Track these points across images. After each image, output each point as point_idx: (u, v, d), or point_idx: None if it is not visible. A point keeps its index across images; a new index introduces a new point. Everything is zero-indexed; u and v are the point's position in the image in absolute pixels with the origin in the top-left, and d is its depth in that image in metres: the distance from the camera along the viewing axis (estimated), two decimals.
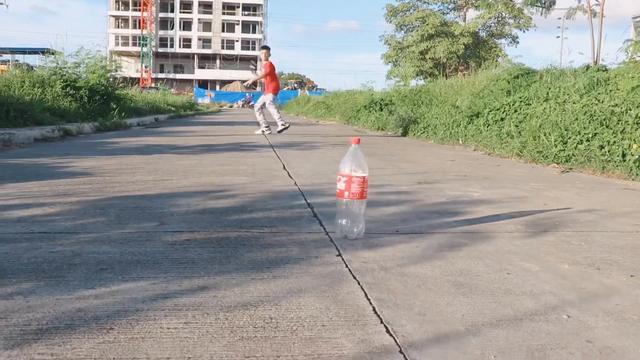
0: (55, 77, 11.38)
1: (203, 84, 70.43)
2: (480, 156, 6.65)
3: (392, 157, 5.76)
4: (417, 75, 33.78)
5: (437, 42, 32.40)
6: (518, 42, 33.97)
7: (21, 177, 3.64)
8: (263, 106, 10.27)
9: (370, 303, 1.45)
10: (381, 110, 14.95)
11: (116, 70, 14.11)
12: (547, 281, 1.71)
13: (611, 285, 1.69)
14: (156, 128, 11.41)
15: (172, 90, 54.79)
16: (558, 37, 38.53)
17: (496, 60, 34.52)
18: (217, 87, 68.43)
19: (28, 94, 9.94)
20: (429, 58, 32.76)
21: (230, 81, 67.11)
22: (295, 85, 68.25)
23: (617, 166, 5.18)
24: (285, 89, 69.39)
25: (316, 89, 64.41)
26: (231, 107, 48.82)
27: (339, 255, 1.93)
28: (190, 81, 70.86)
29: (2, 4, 47.62)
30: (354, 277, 1.68)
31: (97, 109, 11.39)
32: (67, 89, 11.13)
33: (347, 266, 1.79)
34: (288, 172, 4.17)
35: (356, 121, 15.71)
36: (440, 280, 1.68)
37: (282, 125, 10.15)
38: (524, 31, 31.10)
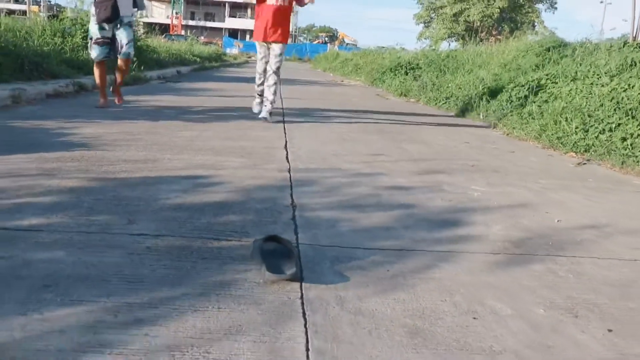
0: (76, 28, 11.27)
1: (233, 33, 69.73)
2: (498, 137, 6.43)
3: (401, 135, 5.58)
4: (449, 37, 32.95)
5: (472, 4, 31.37)
6: (556, 8, 32.77)
7: (14, 147, 3.57)
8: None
9: (308, 357, 1.34)
10: (406, 74, 14.61)
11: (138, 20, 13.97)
12: (513, 332, 1.58)
13: (583, 343, 1.55)
14: (175, 83, 11.28)
15: (202, 38, 54.50)
16: (602, 1, 36.95)
17: (532, 26, 33.49)
18: (247, 37, 67.74)
19: (47, 44, 9.86)
20: (463, 20, 31.80)
21: None
22: (326, 39, 67.24)
23: (637, 162, 4.94)
24: (315, 42, 68.47)
25: (347, 45, 63.43)
26: None
27: (301, 276, 1.83)
28: (220, 30, 70.20)
29: None
30: (304, 314, 1.57)
31: (116, 60, 11.27)
32: (87, 40, 11.01)
33: (301, 297, 1.68)
34: (287, 153, 4.05)
35: (381, 83, 15.39)
36: (396, 324, 1.56)
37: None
38: None
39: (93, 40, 6.18)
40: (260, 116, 5.98)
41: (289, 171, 3.45)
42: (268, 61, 6.08)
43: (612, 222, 2.94)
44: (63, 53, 9.86)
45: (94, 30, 6.15)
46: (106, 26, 6.04)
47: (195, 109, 6.47)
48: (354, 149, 4.53)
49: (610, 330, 1.64)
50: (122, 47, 6.18)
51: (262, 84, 6.22)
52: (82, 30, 11.10)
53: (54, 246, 1.94)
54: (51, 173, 2.97)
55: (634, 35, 12.37)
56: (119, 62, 6.40)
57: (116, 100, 6.57)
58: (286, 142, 4.53)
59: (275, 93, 6.08)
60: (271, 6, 5.88)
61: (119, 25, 6.10)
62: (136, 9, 6.44)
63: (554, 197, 3.45)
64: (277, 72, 6.04)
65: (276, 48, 6.01)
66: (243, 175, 3.23)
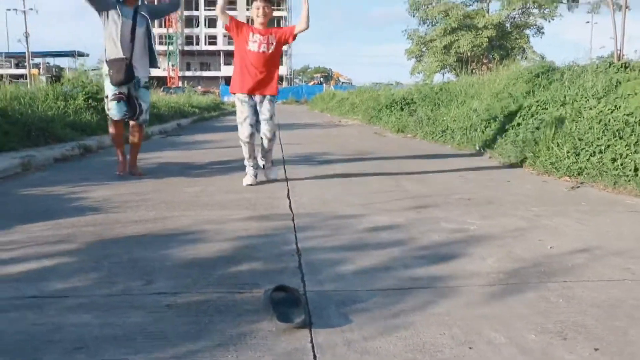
0: (77, 90, 11.63)
1: (229, 80, 70.80)
2: (493, 166, 6.62)
3: (399, 175, 5.76)
4: (442, 69, 33.54)
5: (461, 35, 32.06)
6: (543, 33, 33.41)
7: (30, 216, 3.76)
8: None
9: None
10: (402, 110, 14.90)
11: None
12: (506, 359, 1.73)
13: None
14: (176, 137, 11.56)
15: (199, 88, 55.39)
16: (588, 22, 37.56)
17: (522, 51, 34.08)
18: None
19: (51, 108, 10.17)
20: (453, 52, 32.44)
21: None
22: (321, 79, 68.23)
23: (629, 181, 5.10)
24: (310, 83, 69.46)
25: (342, 83, 64.28)
26: None
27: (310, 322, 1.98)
28: (216, 78, 71.37)
29: (32, 9, 48.47)
30: (314, 357, 1.73)
31: None
32: (89, 101, 11.35)
33: (311, 341, 1.84)
34: (290, 202, 4.23)
35: (378, 121, 15.68)
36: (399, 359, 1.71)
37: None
38: (549, 21, 30.60)
39: (109, 98, 5.70)
40: (270, 177, 5.26)
41: (293, 219, 3.62)
42: (253, 123, 4.98)
43: (603, 244, 3.09)
44: (67, 116, 10.16)
45: (108, 87, 5.67)
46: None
47: (198, 164, 6.68)
48: (353, 191, 4.71)
49: (596, 349, 1.79)
50: (140, 113, 5.79)
51: (251, 155, 5.09)
52: (84, 92, 11.45)
53: (81, 310, 2.10)
54: (68, 239, 3.15)
55: (618, 56, 12.68)
56: (135, 126, 6.02)
57: (133, 172, 5.87)
58: (288, 190, 4.71)
59: (271, 152, 5.31)
60: (256, 53, 4.93)
61: (136, 87, 5.67)
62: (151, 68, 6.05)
63: (547, 223, 3.61)
64: (273, 138, 5.14)
65: (267, 105, 5.01)
66: (249, 227, 3.40)
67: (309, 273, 2.53)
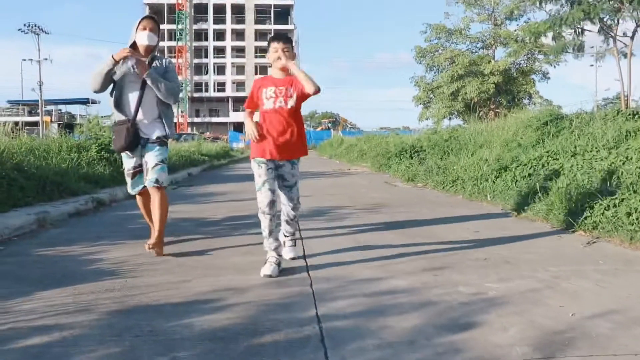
0: (90, 141, 11.80)
1: (238, 126, 71.55)
2: (507, 220, 6.61)
3: (413, 232, 5.76)
4: (449, 115, 33.82)
5: (467, 81, 32.45)
6: (549, 78, 33.78)
7: (48, 281, 3.78)
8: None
9: None
10: (411, 158, 15.00)
11: None
12: None
13: None
14: (187, 188, 11.65)
15: (208, 134, 55.98)
16: (592, 65, 37.93)
17: (528, 95, 34.35)
18: None
19: (65, 160, 10.30)
20: (460, 98, 32.79)
21: None
22: (329, 125, 68.81)
23: None
24: (318, 129, 70.09)
25: (350, 128, 64.80)
26: None
27: None
28: (225, 124, 72.16)
29: (46, 59, 49.54)
30: None
31: None
32: (102, 153, 11.50)
33: None
34: (306, 264, 4.23)
35: (387, 169, 15.76)
36: None
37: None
38: (554, 66, 30.94)
39: (125, 173, 4.97)
40: (288, 257, 4.39)
41: (311, 285, 3.62)
42: (274, 189, 4.12)
43: (624, 309, 3.07)
44: (80, 168, 10.29)
45: (124, 159, 4.95)
46: (129, 153, 4.82)
47: (211, 220, 6.71)
48: (369, 252, 4.70)
49: None
50: (147, 173, 4.73)
51: (272, 231, 4.08)
52: (97, 144, 11.61)
53: None
54: (88, 308, 3.16)
55: (626, 102, 12.80)
56: (150, 190, 4.77)
57: (154, 251, 4.64)
58: (304, 251, 4.71)
59: (296, 223, 4.57)
60: (273, 111, 4.07)
61: (146, 148, 4.76)
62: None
63: (566, 286, 3.59)
64: (298, 205, 4.44)
65: (290, 169, 4.23)
66: (268, 293, 3.40)
67: (331, 347, 2.51)
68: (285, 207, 4.39)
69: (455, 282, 3.69)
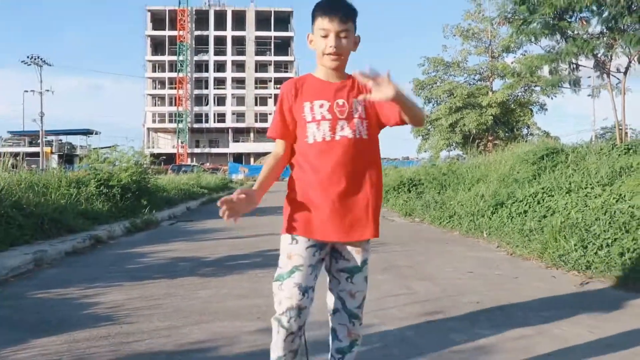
0: (89, 177, 11.89)
1: (238, 157, 71.95)
2: (502, 258, 6.64)
3: (408, 271, 5.80)
4: (448, 146, 34.04)
5: (466, 113, 32.75)
6: (546, 109, 34.09)
7: (45, 326, 3.81)
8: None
9: None
10: (409, 191, 15.09)
11: (149, 168, 14.61)
12: None
13: None
14: (186, 223, 11.69)
15: (207, 164, 56.19)
16: (589, 95, 38.18)
17: (526, 126, 34.60)
18: (252, 160, 69.81)
19: (64, 196, 10.36)
20: (459, 130, 33.05)
21: (265, 153, 68.42)
22: None
23: (638, 278, 5.11)
24: None
25: None
26: None
27: None
28: (225, 155, 72.44)
29: (48, 90, 50.02)
30: None
31: (128, 206, 11.80)
32: (101, 188, 11.58)
33: None
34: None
35: (385, 202, 15.82)
36: None
37: None
38: (551, 98, 31.23)
39: None
40: None
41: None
42: (308, 288, 2.30)
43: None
44: (78, 204, 10.36)
45: None
46: None
47: (209, 259, 6.74)
48: None
49: None
50: None
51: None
52: (96, 179, 11.70)
53: None
54: (82, 357, 3.19)
55: (621, 137, 12.93)
56: None
57: None
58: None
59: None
60: (324, 145, 2.28)
61: None
62: None
63: (557, 333, 3.62)
64: (359, 336, 2.51)
65: (356, 260, 2.38)
66: (261, 343, 3.40)
67: None
68: (336, 332, 2.50)
69: (448, 329, 3.72)
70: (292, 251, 2.32)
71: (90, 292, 4.94)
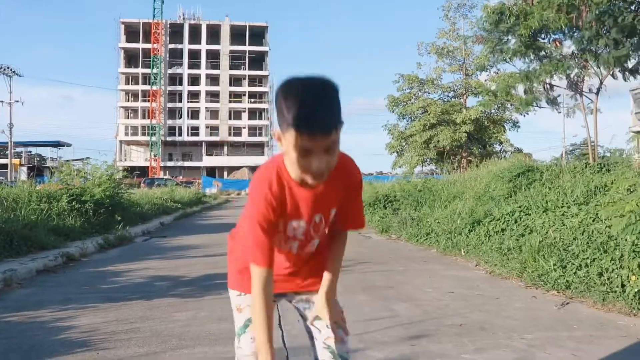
0: (61, 191, 11.64)
1: (211, 171, 71.42)
2: (481, 278, 6.64)
3: (389, 291, 5.75)
4: (422, 162, 34.30)
5: (440, 130, 33.08)
6: (519, 127, 34.61)
7: (14, 356, 3.66)
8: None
9: None
10: (385, 208, 15.08)
11: (122, 182, 14.38)
12: None
13: None
14: (160, 239, 11.50)
15: (180, 177, 55.72)
16: (560, 112, 38.75)
17: (500, 142, 35.07)
18: (225, 174, 69.42)
19: (34, 212, 10.11)
20: (433, 146, 33.35)
21: (238, 167, 68.13)
22: None
23: (617, 298, 5.13)
24: None
25: None
26: (239, 194, 49.29)
27: None
28: (198, 169, 71.89)
29: (17, 101, 49.14)
30: None
31: (102, 221, 11.57)
32: (73, 203, 11.34)
33: None
34: (282, 332, 4.17)
35: None
36: None
37: None
38: (524, 115, 31.66)
39: None
40: None
41: (287, 357, 3.56)
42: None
43: None
44: (50, 220, 10.11)
45: None
46: None
47: (186, 278, 6.61)
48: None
49: None
50: None
51: None
52: (68, 194, 11.45)
53: None
54: None
55: (593, 157, 13.14)
56: None
57: None
58: (279, 317, 4.65)
59: None
60: (296, 254, 2.12)
61: None
62: None
63: (541, 356, 3.60)
64: None
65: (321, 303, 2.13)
66: None
67: None
68: None
69: (432, 353, 3.67)
70: (241, 304, 2.16)
71: (64, 314, 4.78)
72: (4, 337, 4.11)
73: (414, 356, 3.60)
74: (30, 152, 58.85)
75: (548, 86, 13.84)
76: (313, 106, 1.66)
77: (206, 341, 3.96)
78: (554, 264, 6.14)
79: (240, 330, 2.15)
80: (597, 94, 13.16)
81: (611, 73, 12.54)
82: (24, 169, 50.40)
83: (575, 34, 12.29)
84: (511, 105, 28.61)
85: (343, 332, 2.14)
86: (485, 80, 31.38)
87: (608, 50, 11.75)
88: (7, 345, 3.90)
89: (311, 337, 2.18)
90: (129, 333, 4.16)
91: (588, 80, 13.57)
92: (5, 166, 45.19)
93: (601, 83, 12.92)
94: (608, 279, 5.49)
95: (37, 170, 46.86)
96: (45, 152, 60.54)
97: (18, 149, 54.85)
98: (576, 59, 12.81)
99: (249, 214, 1.92)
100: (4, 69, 49.16)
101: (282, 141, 1.77)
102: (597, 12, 11.26)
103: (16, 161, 51.15)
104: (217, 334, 4.14)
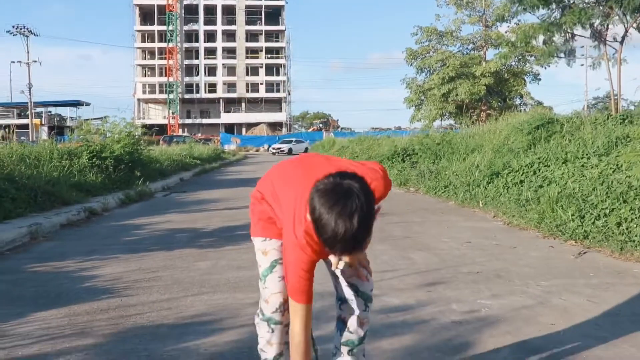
0: (82, 148, 11.77)
1: (229, 127, 71.45)
2: (499, 228, 6.65)
3: (406, 241, 5.80)
4: (441, 116, 33.98)
5: (459, 83, 32.61)
6: (540, 79, 34.01)
7: (43, 300, 3.79)
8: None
9: None
10: (403, 161, 15.03)
11: (141, 139, 14.45)
12: None
13: None
14: (180, 194, 11.63)
15: (198, 135, 55.89)
16: (582, 65, 37.99)
17: (520, 96, 34.54)
18: (244, 130, 69.40)
19: (56, 168, 10.26)
20: (452, 100, 32.95)
21: (256, 124, 68.07)
22: (320, 125, 68.92)
23: (635, 247, 5.13)
24: (310, 130, 70.16)
25: (341, 129, 64.87)
26: (257, 151, 49.46)
27: None
28: (216, 125, 71.93)
29: (35, 61, 49.27)
30: None
31: (122, 177, 11.71)
32: (93, 160, 11.48)
33: None
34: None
35: None
36: None
37: None
38: (545, 67, 31.07)
39: None
40: None
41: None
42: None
43: (615, 329, 3.11)
44: (71, 176, 10.26)
45: None
46: None
47: (205, 230, 6.72)
48: None
49: None
50: None
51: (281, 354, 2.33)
52: (88, 151, 11.58)
53: None
54: (84, 330, 3.17)
55: (616, 107, 12.91)
56: None
57: None
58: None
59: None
60: None
61: None
62: None
63: (557, 302, 3.63)
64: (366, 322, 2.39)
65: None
66: None
67: None
68: (348, 316, 2.36)
69: (449, 299, 3.72)
70: (267, 247, 2.27)
71: (88, 264, 4.91)
72: (32, 285, 4.24)
73: (431, 301, 3.66)
74: (50, 112, 59.16)
75: (570, 36, 13.52)
76: (345, 234, 1.69)
77: (226, 287, 4.06)
78: (572, 214, 6.12)
79: (266, 271, 2.25)
80: (621, 42, 12.84)
81: (637, 20, 12.20)
82: (45, 128, 50.78)
83: None
84: (532, 57, 28.07)
85: (367, 271, 2.29)
86: (506, 32, 30.77)
87: None
88: (36, 292, 4.03)
89: (335, 278, 2.30)
90: (151, 281, 4.27)
91: (612, 29, 13.21)
92: (26, 126, 45.56)
93: (626, 31, 12.59)
94: (627, 228, 5.48)
95: (58, 129, 47.24)
96: (65, 111, 60.87)
97: (38, 109, 55.18)
98: (600, 7, 12.45)
99: (291, 261, 2.01)
100: (21, 29, 49.14)
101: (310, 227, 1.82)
102: None
103: (37, 121, 51.52)
104: (236, 281, 4.23)
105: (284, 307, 2.19)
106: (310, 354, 2.07)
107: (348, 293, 2.26)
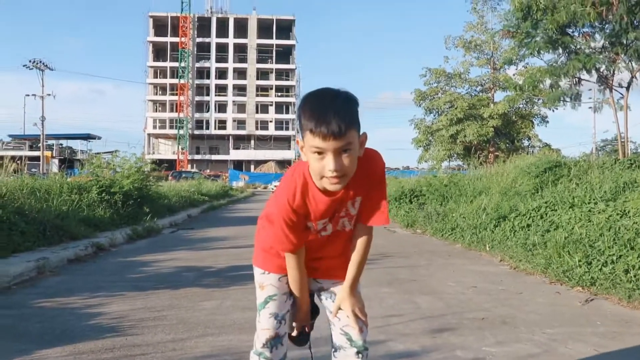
0: (91, 183, 11.88)
1: (238, 164, 71.89)
2: (505, 273, 6.63)
3: (412, 285, 5.79)
4: (449, 157, 34.09)
5: (467, 125, 32.82)
6: (548, 122, 34.16)
7: (49, 337, 3.80)
8: None
9: None
10: (411, 202, 15.07)
11: (150, 175, 14.57)
12: None
13: None
14: (187, 231, 11.67)
15: (207, 171, 56.20)
16: (590, 107, 38.07)
17: (527, 138, 34.64)
18: (252, 167, 69.81)
19: (65, 202, 10.34)
20: (460, 141, 33.11)
21: (265, 161, 68.45)
22: None
23: None
24: None
25: None
26: (265, 188, 49.59)
27: None
28: (225, 162, 72.40)
29: (49, 94, 50.07)
30: None
31: (130, 213, 11.79)
32: (102, 195, 11.57)
33: None
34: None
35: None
36: None
37: None
38: (552, 110, 31.23)
39: None
40: None
41: (310, 347, 3.62)
42: (285, 317, 2.30)
43: None
44: (80, 211, 10.33)
45: None
46: None
47: (212, 269, 6.73)
48: (368, 310, 4.71)
49: None
50: None
51: None
52: (98, 185, 11.68)
53: None
54: None
55: (623, 151, 12.94)
56: None
57: None
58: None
59: None
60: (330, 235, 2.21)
61: None
62: None
63: (563, 351, 3.60)
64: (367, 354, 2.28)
65: (347, 298, 2.27)
66: None
67: None
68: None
69: (453, 345, 3.71)
70: (264, 281, 2.30)
71: (94, 301, 4.93)
72: (37, 321, 4.26)
73: (435, 348, 3.64)
74: (61, 144, 59.91)
75: (576, 81, 13.66)
76: (325, 109, 1.86)
77: (231, 329, 4.06)
78: (579, 260, 6.11)
79: (260, 305, 2.29)
80: (627, 88, 12.95)
81: None
82: (56, 161, 51.30)
83: (605, 27, 12.10)
84: (539, 99, 28.26)
85: (363, 323, 2.26)
86: (514, 75, 31.03)
87: (639, 43, 11.54)
88: (41, 328, 4.04)
89: (332, 325, 2.32)
90: (156, 320, 4.28)
91: (618, 75, 13.35)
92: (37, 158, 46.07)
93: (632, 77, 12.71)
94: (634, 276, 5.45)
95: (68, 162, 47.69)
96: (76, 144, 61.66)
97: (49, 142, 55.87)
98: (606, 52, 12.61)
99: (276, 210, 2.10)
100: (37, 63, 50.12)
101: (303, 150, 1.97)
102: (629, 4, 11.07)
103: (48, 153, 52.08)
104: (241, 322, 4.23)
105: (272, 344, 2.24)
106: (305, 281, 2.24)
107: (341, 341, 2.25)
